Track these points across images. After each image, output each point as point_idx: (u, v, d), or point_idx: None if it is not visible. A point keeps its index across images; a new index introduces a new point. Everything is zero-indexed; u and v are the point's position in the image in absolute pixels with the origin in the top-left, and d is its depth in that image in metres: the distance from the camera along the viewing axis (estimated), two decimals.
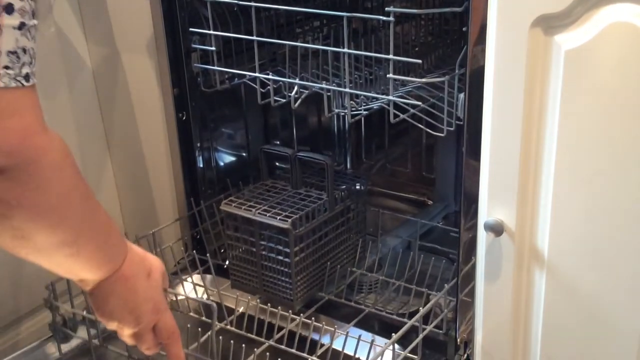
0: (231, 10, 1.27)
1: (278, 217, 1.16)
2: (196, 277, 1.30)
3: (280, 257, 1.19)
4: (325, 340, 1.09)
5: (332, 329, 1.08)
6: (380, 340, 1.08)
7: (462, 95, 1.00)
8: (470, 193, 0.98)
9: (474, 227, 0.99)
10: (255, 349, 1.08)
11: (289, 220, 1.15)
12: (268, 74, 1.18)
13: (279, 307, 1.15)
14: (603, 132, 0.83)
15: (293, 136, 1.66)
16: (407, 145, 1.63)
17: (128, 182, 1.46)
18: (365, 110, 1.11)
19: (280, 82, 1.18)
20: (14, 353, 1.19)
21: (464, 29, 0.93)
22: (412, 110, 1.05)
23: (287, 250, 1.17)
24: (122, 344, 0.90)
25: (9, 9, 0.59)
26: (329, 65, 1.16)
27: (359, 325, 1.20)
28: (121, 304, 0.82)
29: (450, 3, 0.99)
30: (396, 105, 1.05)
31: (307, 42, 1.28)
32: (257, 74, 1.18)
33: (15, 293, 1.36)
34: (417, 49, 1.35)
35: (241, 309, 1.22)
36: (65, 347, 1.19)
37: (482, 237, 0.97)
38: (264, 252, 1.20)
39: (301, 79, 1.18)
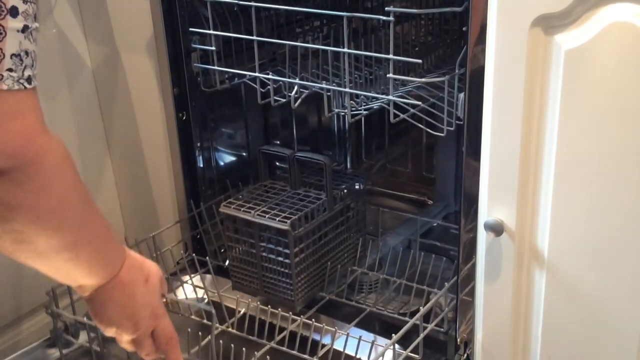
0: (231, 10, 1.27)
1: (277, 219, 1.16)
2: (196, 279, 1.30)
3: (280, 258, 1.19)
4: (327, 340, 1.09)
5: (333, 330, 1.08)
6: (381, 340, 1.08)
7: (462, 95, 1.00)
8: (470, 193, 0.98)
9: (474, 227, 0.99)
10: (256, 352, 1.08)
11: (288, 221, 1.15)
12: (268, 74, 1.18)
13: (280, 309, 1.15)
14: (603, 132, 0.83)
15: (293, 136, 1.66)
16: (407, 145, 1.63)
17: (128, 182, 1.46)
18: (365, 110, 1.11)
19: (280, 82, 1.18)
20: (15, 353, 1.19)
21: (464, 28, 0.93)
22: (412, 110, 1.05)
23: (287, 251, 1.17)
24: (123, 350, 0.90)
25: (14, 12, 0.60)
26: (329, 65, 1.16)
27: (360, 325, 1.20)
28: (119, 310, 0.82)
29: (450, 3, 0.99)
30: (396, 105, 1.05)
31: (307, 42, 1.28)
32: (257, 74, 1.18)
33: (16, 292, 1.36)
34: (417, 48, 1.35)
35: (242, 311, 1.22)
36: (65, 349, 1.19)
37: (482, 237, 0.97)
38: (264, 254, 1.20)
39: (301, 79, 1.18)
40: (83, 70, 1.36)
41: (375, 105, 1.11)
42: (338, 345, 1.07)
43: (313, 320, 1.10)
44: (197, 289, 1.29)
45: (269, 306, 1.14)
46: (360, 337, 1.05)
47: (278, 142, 1.66)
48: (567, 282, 0.93)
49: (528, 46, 0.83)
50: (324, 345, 1.08)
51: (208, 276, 1.33)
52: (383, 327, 1.20)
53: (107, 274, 0.79)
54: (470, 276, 1.02)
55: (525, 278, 0.96)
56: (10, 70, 0.60)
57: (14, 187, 0.62)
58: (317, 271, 1.24)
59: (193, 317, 1.19)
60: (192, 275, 1.31)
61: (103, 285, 0.79)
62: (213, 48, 1.21)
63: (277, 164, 1.48)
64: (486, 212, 0.95)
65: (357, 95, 1.12)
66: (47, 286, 1.14)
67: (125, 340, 0.86)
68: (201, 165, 1.42)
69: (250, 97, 1.49)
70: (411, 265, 1.30)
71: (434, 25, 1.37)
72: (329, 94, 1.14)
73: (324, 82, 1.16)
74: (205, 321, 1.15)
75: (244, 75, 1.21)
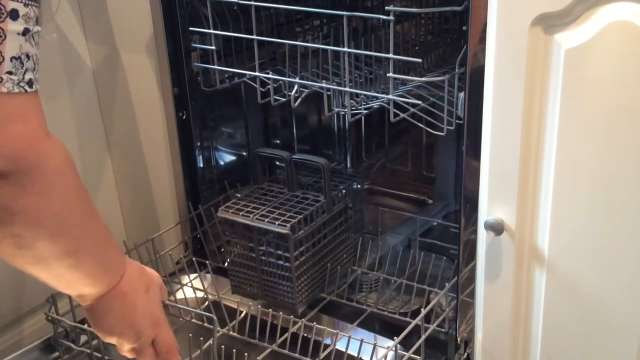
0: (231, 9, 1.27)
1: (277, 222, 1.15)
2: (196, 281, 1.29)
3: (280, 262, 1.18)
4: (328, 342, 1.09)
5: (335, 332, 1.08)
6: (382, 340, 1.08)
7: (462, 94, 1.00)
8: (470, 192, 0.98)
9: (474, 226, 0.99)
10: (257, 358, 1.08)
11: (288, 225, 1.14)
12: (268, 73, 1.18)
13: (281, 312, 1.15)
14: (603, 131, 0.83)
15: (293, 135, 1.66)
16: (407, 144, 1.63)
17: (128, 182, 1.46)
18: (365, 109, 1.11)
19: (280, 81, 1.18)
20: (16, 352, 1.19)
21: (464, 28, 0.93)
22: (412, 110, 1.05)
23: (287, 254, 1.16)
24: (124, 357, 0.90)
25: (14, 14, 0.59)
26: (329, 65, 1.16)
27: (361, 325, 1.20)
28: (120, 320, 0.82)
29: (450, 2, 0.99)
30: (396, 105, 1.05)
31: (307, 41, 1.28)
32: (257, 73, 1.18)
33: (16, 292, 1.36)
34: (417, 48, 1.35)
35: (243, 312, 1.22)
36: (66, 355, 1.19)
37: (482, 236, 0.97)
38: (263, 257, 1.20)
39: (301, 78, 1.18)
40: (83, 70, 1.36)
41: (375, 104, 1.11)
42: (340, 347, 1.08)
43: (315, 323, 1.10)
44: (196, 291, 1.28)
45: (270, 310, 1.14)
46: (363, 339, 1.05)
47: (278, 141, 1.66)
48: (567, 281, 0.93)
49: (528, 45, 0.83)
50: (325, 347, 1.08)
51: (208, 276, 1.33)
52: (384, 326, 1.20)
53: (108, 283, 0.78)
54: (471, 275, 1.02)
55: (526, 277, 0.96)
56: (10, 73, 0.60)
57: (16, 190, 0.62)
58: (318, 273, 1.24)
59: (194, 320, 1.19)
60: (192, 277, 1.30)
61: (104, 294, 0.79)
62: (213, 47, 1.21)
63: (277, 163, 1.48)
64: (486, 211, 0.94)
65: (357, 95, 1.11)
66: (48, 286, 1.13)
67: (126, 349, 0.86)
68: (201, 165, 1.42)
69: (250, 97, 1.49)
70: (411, 265, 1.30)
71: (434, 24, 1.37)
72: (329, 93, 1.14)
73: (324, 81, 1.16)
74: (206, 324, 1.14)
75: (244, 75, 1.21)
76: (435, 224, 1.48)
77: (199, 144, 1.40)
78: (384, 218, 1.47)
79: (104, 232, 0.75)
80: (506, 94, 0.87)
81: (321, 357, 1.06)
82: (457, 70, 1.01)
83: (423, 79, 1.06)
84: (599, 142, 0.83)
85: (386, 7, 0.99)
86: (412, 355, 1.06)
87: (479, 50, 0.89)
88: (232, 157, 1.55)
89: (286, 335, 1.11)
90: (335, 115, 1.61)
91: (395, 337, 1.05)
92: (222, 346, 1.06)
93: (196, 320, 1.18)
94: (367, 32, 1.30)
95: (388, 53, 1.02)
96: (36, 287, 1.18)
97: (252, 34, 1.15)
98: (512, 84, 0.85)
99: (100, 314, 0.81)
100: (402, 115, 1.05)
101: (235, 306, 1.25)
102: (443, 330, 1.12)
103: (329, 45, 1.19)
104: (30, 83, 0.62)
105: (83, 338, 1.19)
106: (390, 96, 1.05)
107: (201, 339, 1.07)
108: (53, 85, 1.32)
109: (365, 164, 1.71)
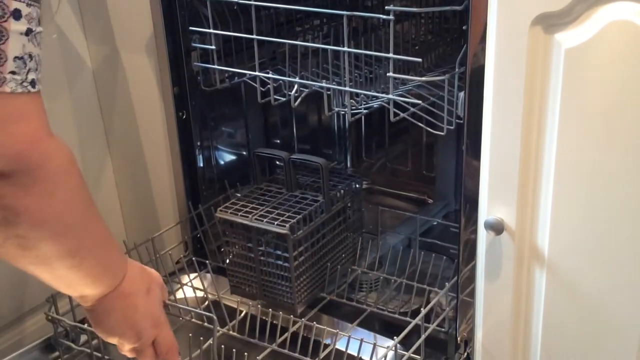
0: (231, 8, 1.27)
1: (275, 222, 1.15)
2: (196, 282, 1.29)
3: (280, 262, 1.18)
4: (328, 341, 1.09)
5: (335, 332, 1.08)
6: (382, 340, 1.08)
7: (462, 94, 1.00)
8: (470, 191, 0.98)
9: (474, 226, 0.99)
10: (257, 357, 1.08)
11: (287, 225, 1.14)
12: (268, 73, 1.18)
13: (280, 312, 1.15)
14: (603, 131, 0.83)
15: (293, 135, 1.66)
16: (407, 144, 1.63)
17: (128, 182, 1.46)
18: (365, 109, 1.11)
19: (280, 81, 1.18)
20: (16, 352, 1.19)
21: (464, 27, 0.93)
22: (412, 109, 1.05)
23: (286, 254, 1.16)
24: (124, 356, 0.90)
25: (17, 14, 0.59)
26: (329, 64, 1.16)
27: (360, 325, 1.20)
28: (121, 320, 0.82)
29: (450, 1, 0.99)
30: (396, 104, 1.05)
31: (307, 41, 1.28)
32: (257, 73, 1.18)
33: (16, 292, 1.36)
34: (417, 47, 1.35)
35: (243, 312, 1.22)
36: (66, 354, 1.19)
37: (482, 236, 0.97)
38: (262, 258, 1.19)
39: (301, 78, 1.18)
40: (83, 70, 1.36)
41: (375, 104, 1.11)
42: (340, 346, 1.08)
43: (314, 322, 1.10)
44: (196, 291, 1.28)
45: (270, 310, 1.14)
46: (362, 339, 1.05)
47: (278, 141, 1.66)
48: (567, 281, 0.93)
49: (528, 45, 0.83)
50: (325, 347, 1.08)
51: (208, 276, 1.33)
52: (384, 326, 1.20)
53: (110, 284, 0.79)
54: (471, 275, 1.02)
55: (526, 277, 0.96)
56: (13, 73, 0.60)
57: (19, 190, 0.62)
58: (317, 273, 1.24)
59: (194, 320, 1.19)
60: (192, 277, 1.30)
61: (105, 295, 0.79)
62: (213, 47, 1.21)
63: (277, 162, 1.48)
64: (486, 210, 0.94)
65: (357, 94, 1.11)
66: (48, 286, 1.13)
67: (127, 349, 0.86)
68: (201, 165, 1.42)
69: (250, 96, 1.49)
70: (411, 264, 1.30)
71: (434, 24, 1.37)
72: (329, 92, 1.14)
73: (324, 81, 1.16)
74: (206, 324, 1.14)
75: (244, 74, 1.21)
76: (435, 223, 1.48)
77: (199, 143, 1.40)
78: (384, 218, 1.47)
79: (105, 232, 0.75)
80: (506, 93, 0.87)
81: (321, 357, 1.06)
82: (457, 70, 1.01)
83: (423, 78, 1.06)
84: (598, 142, 0.83)
85: (386, 7, 0.99)
86: (412, 354, 1.06)
87: (479, 49, 0.89)
88: (232, 157, 1.55)
89: (286, 335, 1.11)
90: (335, 114, 1.61)
91: (395, 337, 1.05)
92: (222, 346, 1.06)
93: (196, 320, 1.18)
94: (367, 32, 1.30)
95: (388, 52, 1.02)
96: (36, 287, 1.18)
97: (252, 34, 1.15)
98: (512, 83, 0.85)
99: (102, 315, 0.81)
100: (402, 114, 1.05)
101: (235, 306, 1.25)
102: (443, 329, 1.12)
103: (329, 44, 1.19)
104: (33, 83, 0.62)
105: (83, 338, 1.19)
106: (390, 96, 1.05)
107: (201, 338, 1.07)
108: (53, 85, 1.32)
109: (365, 164, 1.71)
